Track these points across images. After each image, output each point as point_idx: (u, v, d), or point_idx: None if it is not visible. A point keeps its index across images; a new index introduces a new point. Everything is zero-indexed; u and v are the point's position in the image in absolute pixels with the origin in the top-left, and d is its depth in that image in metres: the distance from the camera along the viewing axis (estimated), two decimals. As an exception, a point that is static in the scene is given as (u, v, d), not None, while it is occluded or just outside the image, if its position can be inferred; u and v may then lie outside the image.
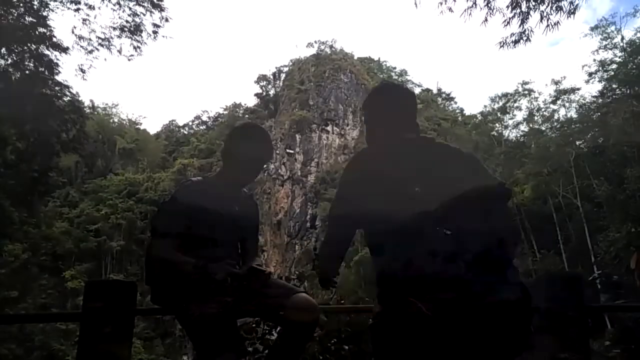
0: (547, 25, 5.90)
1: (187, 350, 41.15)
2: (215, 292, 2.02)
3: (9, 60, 9.99)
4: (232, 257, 2.16)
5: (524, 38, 6.14)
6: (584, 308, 2.53)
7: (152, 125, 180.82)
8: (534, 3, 5.92)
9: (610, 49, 28.23)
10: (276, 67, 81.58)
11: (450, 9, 6.13)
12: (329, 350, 2.90)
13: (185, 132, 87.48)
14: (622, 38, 28.07)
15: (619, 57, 27.64)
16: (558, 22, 5.84)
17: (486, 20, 6.09)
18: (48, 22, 10.00)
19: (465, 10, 6.05)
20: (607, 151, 27.30)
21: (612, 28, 28.51)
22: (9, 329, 25.49)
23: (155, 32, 10.57)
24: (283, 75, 77.15)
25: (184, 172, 59.14)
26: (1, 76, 10.03)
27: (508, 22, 6.09)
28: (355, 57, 77.44)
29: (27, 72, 10.04)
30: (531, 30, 6.06)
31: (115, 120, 79.49)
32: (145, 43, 10.65)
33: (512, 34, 6.18)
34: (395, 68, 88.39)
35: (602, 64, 28.23)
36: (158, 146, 76.91)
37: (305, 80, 67.05)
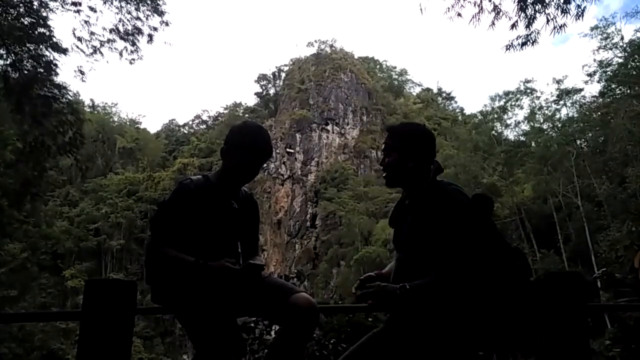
0: (554, 28, 5.82)
1: (187, 350, 41.17)
2: (215, 291, 2.02)
3: (8, 60, 9.95)
4: (232, 256, 2.15)
5: (531, 40, 6.05)
6: (584, 307, 2.52)
7: (152, 125, 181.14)
8: (539, 6, 5.84)
9: (610, 49, 28.20)
10: (276, 67, 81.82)
11: (459, 14, 6.08)
12: (326, 347, 2.90)
13: (185, 132, 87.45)
14: (622, 38, 28.06)
15: (619, 57, 27.63)
16: (564, 24, 5.77)
17: (493, 24, 6.02)
18: (48, 22, 9.96)
19: (473, 17, 5.99)
20: (609, 150, 27.28)
21: (612, 28, 28.49)
22: (9, 328, 25.51)
23: (150, 36, 10.50)
24: (283, 75, 77.17)
25: (184, 171, 59.09)
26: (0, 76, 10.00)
27: (514, 26, 6.02)
28: (356, 57, 77.37)
29: (25, 72, 9.98)
30: (538, 33, 5.98)
31: (115, 119, 79.65)
32: (141, 49, 10.62)
33: (519, 37, 6.09)
34: (395, 67, 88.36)
35: (602, 64, 28.19)
36: (158, 145, 76.90)
37: (306, 79, 67.01)
